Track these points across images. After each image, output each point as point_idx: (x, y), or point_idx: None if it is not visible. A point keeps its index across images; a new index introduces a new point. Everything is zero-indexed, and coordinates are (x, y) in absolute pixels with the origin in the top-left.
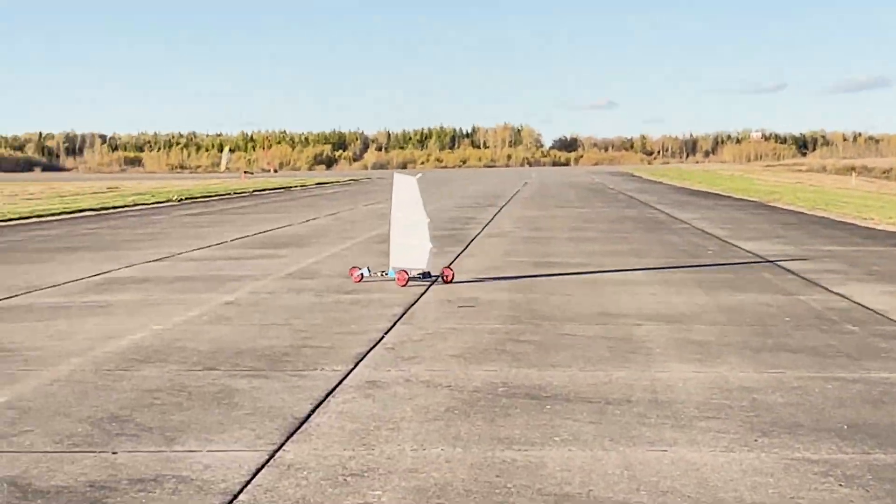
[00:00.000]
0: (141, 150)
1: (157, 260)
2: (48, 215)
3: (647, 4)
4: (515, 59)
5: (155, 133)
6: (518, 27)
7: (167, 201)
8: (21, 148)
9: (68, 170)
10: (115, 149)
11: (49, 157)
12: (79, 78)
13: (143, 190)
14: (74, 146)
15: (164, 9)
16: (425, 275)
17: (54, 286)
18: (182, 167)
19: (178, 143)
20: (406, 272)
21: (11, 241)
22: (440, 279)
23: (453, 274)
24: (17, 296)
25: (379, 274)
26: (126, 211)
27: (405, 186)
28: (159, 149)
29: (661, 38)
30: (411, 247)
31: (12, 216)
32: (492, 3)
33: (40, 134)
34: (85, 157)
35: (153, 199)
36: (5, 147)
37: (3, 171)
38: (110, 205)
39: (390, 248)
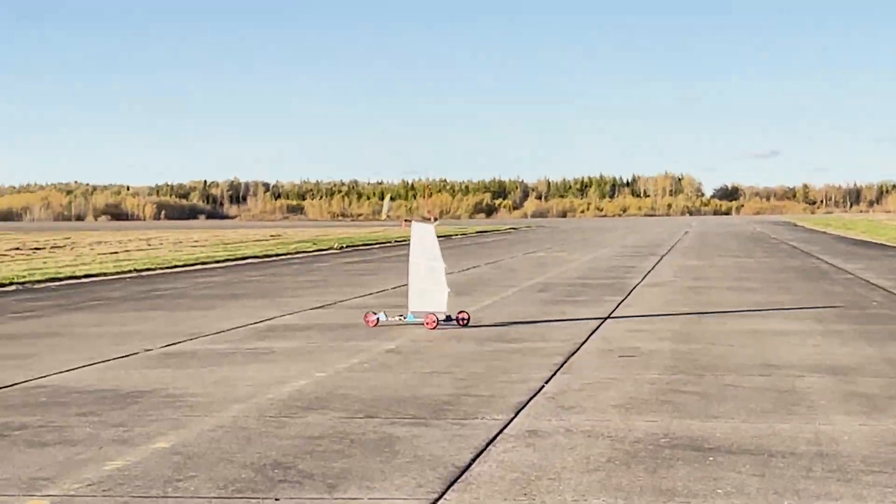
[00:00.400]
0: (303, 197)
1: (319, 307)
2: (212, 262)
3: (808, 53)
4: (675, 108)
5: (317, 181)
6: (678, 76)
7: (329, 249)
8: (186, 196)
9: (232, 217)
10: (277, 197)
11: (213, 204)
12: (245, 128)
13: (304, 237)
14: (238, 194)
15: (325, 58)
16: (447, 318)
17: (218, 332)
18: (343, 215)
19: (339, 192)
20: (436, 316)
21: (177, 288)
22: (455, 322)
23: (469, 317)
24: (182, 342)
25: (397, 318)
26: (288, 258)
27: (423, 233)
28: (321, 197)
29: (825, 86)
30: (431, 291)
31: (177, 263)
32: (648, 52)
33: (205, 182)
34: (248, 204)
35: (315, 247)
36: (171, 195)
37: (169, 218)
38: (273, 252)
39: (409, 292)
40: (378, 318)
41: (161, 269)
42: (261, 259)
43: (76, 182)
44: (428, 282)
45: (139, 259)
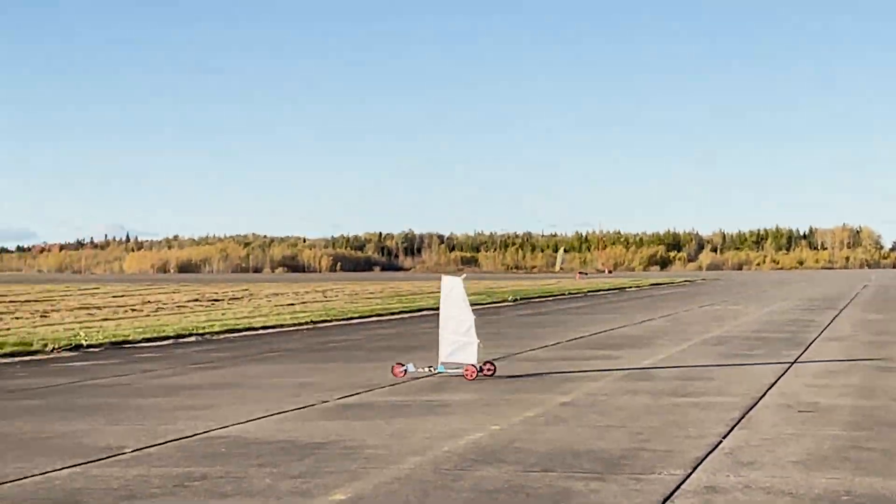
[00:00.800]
0: (477, 249)
1: (493, 360)
2: (387, 314)
3: None
4: (852, 159)
5: (491, 233)
6: (855, 128)
7: (503, 301)
8: (362, 248)
9: (406, 269)
10: (451, 249)
11: (388, 256)
12: (420, 180)
13: (478, 290)
14: (413, 246)
15: (499, 115)
16: (479, 369)
17: (393, 384)
18: (517, 267)
19: (513, 244)
20: (475, 367)
21: (352, 340)
22: (480, 372)
23: (495, 369)
24: (358, 393)
25: (426, 370)
26: None
27: (453, 287)
28: (495, 249)
29: None
30: (461, 343)
31: (353, 314)
32: (826, 105)
33: (380, 234)
34: (423, 256)
35: (489, 299)
36: (347, 247)
37: (345, 270)
38: None
39: (440, 344)
40: (406, 369)
41: (337, 320)
42: (435, 311)
43: (254, 234)
44: (458, 334)
45: (315, 310)
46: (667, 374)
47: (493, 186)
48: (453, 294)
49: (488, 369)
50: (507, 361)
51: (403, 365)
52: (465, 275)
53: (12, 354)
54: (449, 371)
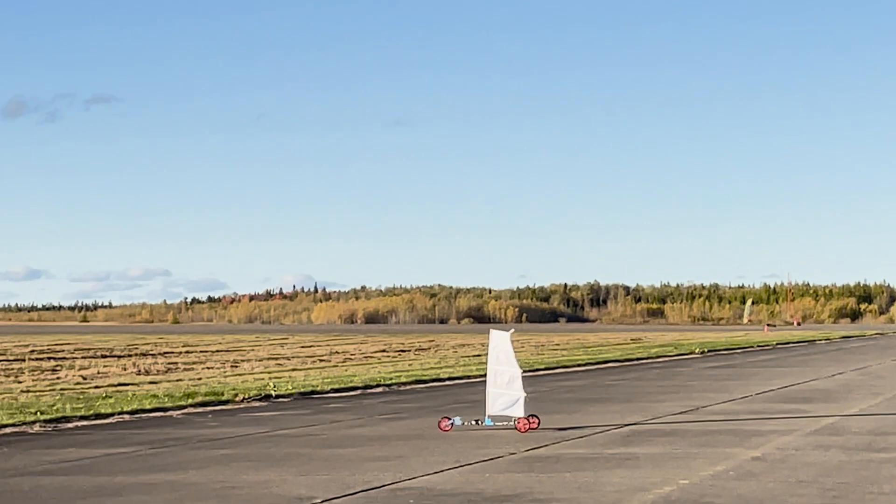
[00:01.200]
0: (663, 301)
1: (681, 413)
2: (573, 365)
3: None
4: None
5: (677, 284)
6: None
7: (689, 353)
8: (547, 299)
9: (592, 321)
10: (638, 300)
11: (573, 308)
12: (605, 231)
13: (665, 341)
14: (598, 297)
15: (685, 159)
16: (527, 422)
17: (580, 437)
18: (703, 319)
19: (699, 295)
20: (528, 420)
21: (539, 391)
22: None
23: (539, 421)
24: (545, 445)
25: (474, 423)
26: (649, 363)
27: (500, 341)
28: (681, 300)
29: None
30: (508, 396)
31: (539, 366)
32: None
33: (565, 285)
34: (608, 308)
35: (675, 351)
36: (532, 298)
37: (530, 321)
38: (633, 356)
39: (487, 397)
40: (453, 423)
41: (523, 371)
42: (621, 363)
43: (439, 285)
44: (505, 387)
45: None
46: (859, 429)
47: (679, 237)
48: (501, 348)
49: (533, 422)
50: (695, 414)
51: (450, 419)
52: (512, 329)
53: (204, 404)
54: (502, 424)
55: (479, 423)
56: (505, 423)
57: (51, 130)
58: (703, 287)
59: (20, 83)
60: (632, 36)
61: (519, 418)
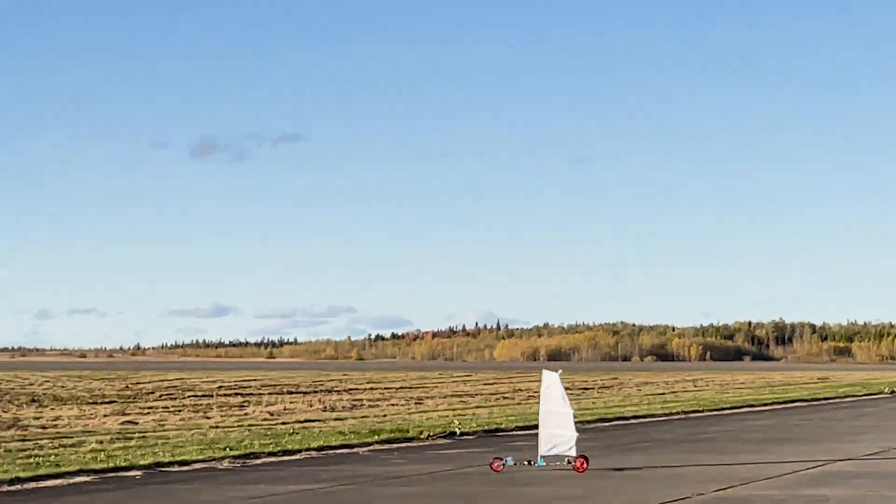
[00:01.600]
0: (850, 339)
1: (872, 453)
2: (759, 405)
3: None
4: None
5: (865, 323)
6: None
7: (879, 393)
8: (731, 337)
9: (776, 359)
10: (824, 338)
11: (758, 346)
12: (791, 268)
13: (853, 381)
14: (783, 335)
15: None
16: (570, 461)
17: (768, 478)
18: (893, 358)
19: (888, 334)
20: (585, 459)
21: (725, 431)
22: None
23: (587, 461)
24: (733, 486)
25: (526, 463)
26: (836, 402)
27: (551, 382)
28: (869, 339)
29: None
30: (561, 436)
31: (724, 405)
32: None
33: (749, 323)
34: (794, 346)
35: (864, 391)
36: (716, 336)
37: (714, 359)
38: (820, 395)
39: (539, 438)
40: (504, 463)
41: (708, 410)
42: (808, 402)
43: (622, 322)
44: (557, 427)
45: (686, 400)
46: None
47: (867, 273)
48: (552, 389)
49: (581, 464)
50: (889, 456)
51: (502, 459)
52: (560, 370)
53: (389, 441)
54: (549, 465)
55: (532, 463)
56: (558, 462)
57: (239, 168)
58: (893, 325)
59: (210, 123)
60: None
61: (578, 457)
